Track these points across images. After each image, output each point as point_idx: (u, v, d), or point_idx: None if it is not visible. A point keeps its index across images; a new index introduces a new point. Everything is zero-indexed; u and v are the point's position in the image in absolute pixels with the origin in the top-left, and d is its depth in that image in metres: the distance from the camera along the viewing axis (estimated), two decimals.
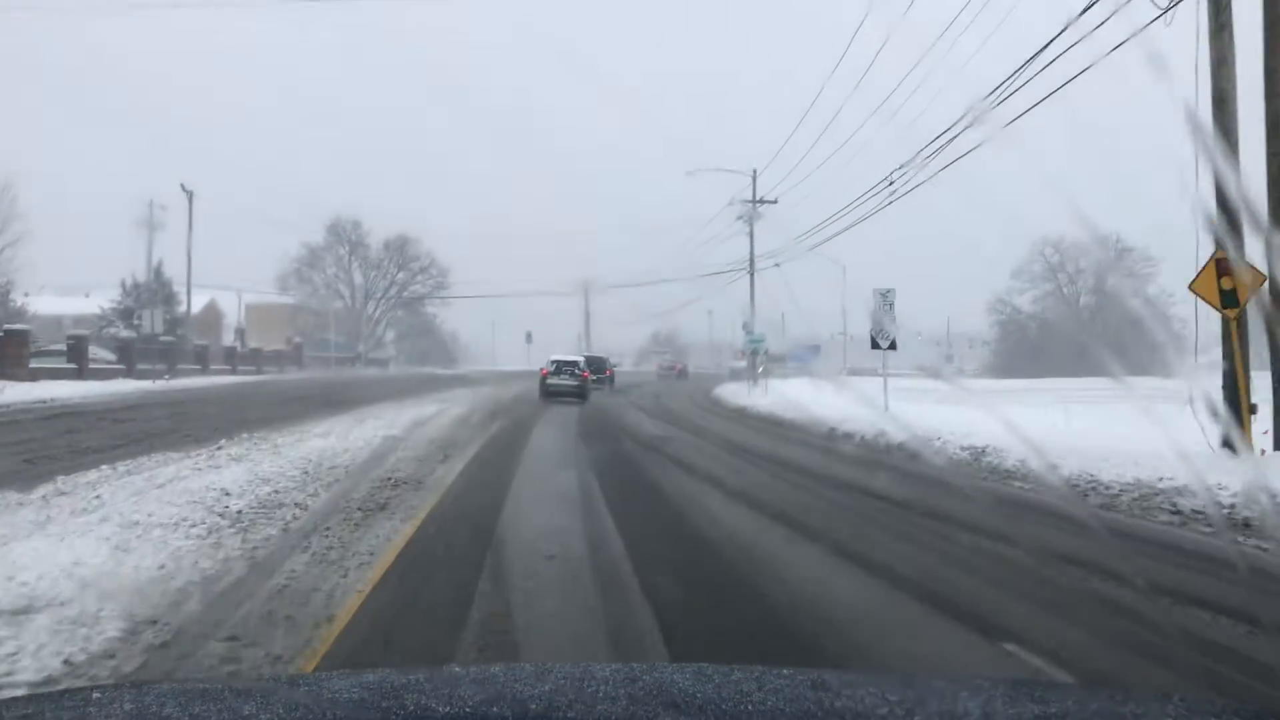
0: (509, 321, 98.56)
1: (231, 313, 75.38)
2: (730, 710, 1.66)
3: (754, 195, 44.29)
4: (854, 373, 54.35)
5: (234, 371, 48.79)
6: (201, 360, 47.73)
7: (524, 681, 1.92)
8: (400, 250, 78.78)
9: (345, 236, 78.47)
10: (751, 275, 45.30)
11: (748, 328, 42.01)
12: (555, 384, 32.24)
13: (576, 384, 32.55)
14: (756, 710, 1.67)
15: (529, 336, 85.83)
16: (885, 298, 22.66)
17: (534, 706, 1.71)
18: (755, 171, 45.01)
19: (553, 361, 34.43)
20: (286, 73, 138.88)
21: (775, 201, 44.42)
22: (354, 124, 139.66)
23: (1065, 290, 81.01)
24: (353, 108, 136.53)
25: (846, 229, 28.51)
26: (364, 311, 78.58)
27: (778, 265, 38.42)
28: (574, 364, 34.15)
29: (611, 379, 47.00)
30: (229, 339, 65.84)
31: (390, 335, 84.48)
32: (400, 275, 79.24)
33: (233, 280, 74.22)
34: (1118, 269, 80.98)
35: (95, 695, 1.83)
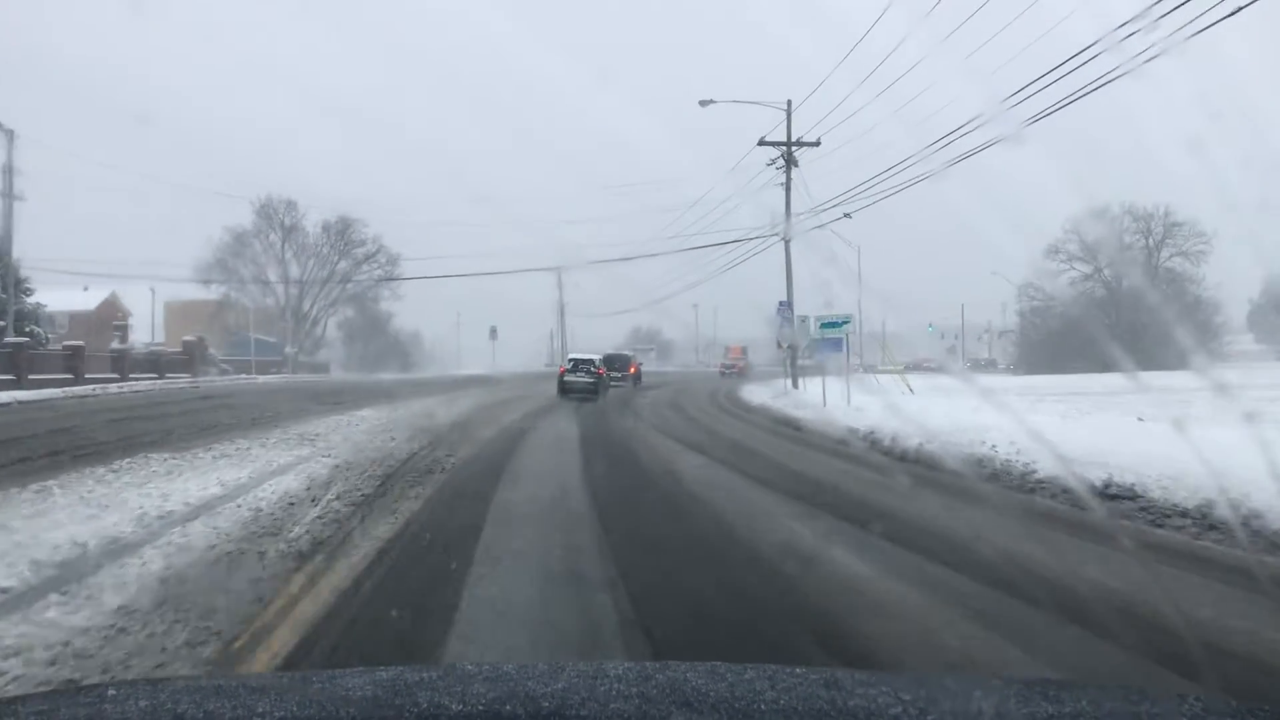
0: (477, 320, 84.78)
1: (141, 310, 61.51)
2: (743, 709, 1.64)
3: (789, 134, 31.75)
4: (868, 369, 49.50)
5: (124, 379, 41.00)
6: (74, 367, 39.13)
7: (537, 679, 1.88)
8: (341, 235, 65.15)
9: (277, 220, 64.69)
10: (788, 244, 32.85)
11: (786, 310, 32.71)
12: (572, 381, 33.13)
13: (591, 381, 33.15)
14: (769, 709, 1.65)
15: (493, 332, 72.68)
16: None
17: (546, 704, 1.67)
18: (790, 105, 32.51)
19: (570, 359, 35.62)
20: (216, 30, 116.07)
21: (818, 143, 31.97)
22: (294, 92, 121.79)
23: (1106, 272, 69.71)
24: (292, 73, 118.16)
25: (884, 196, 25.28)
26: (299, 307, 64.58)
27: (848, 216, 26.47)
28: (590, 362, 34.84)
29: (637, 377, 45.41)
30: (142, 340, 57.59)
31: (337, 335, 70.44)
32: (342, 264, 65.34)
33: (160, 272, 60.13)
34: (1167, 246, 75.03)
35: (110, 692, 1.83)
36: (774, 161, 33.17)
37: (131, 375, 41.74)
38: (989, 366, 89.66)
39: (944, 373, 53.07)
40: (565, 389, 32.38)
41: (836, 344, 25.04)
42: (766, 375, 46.77)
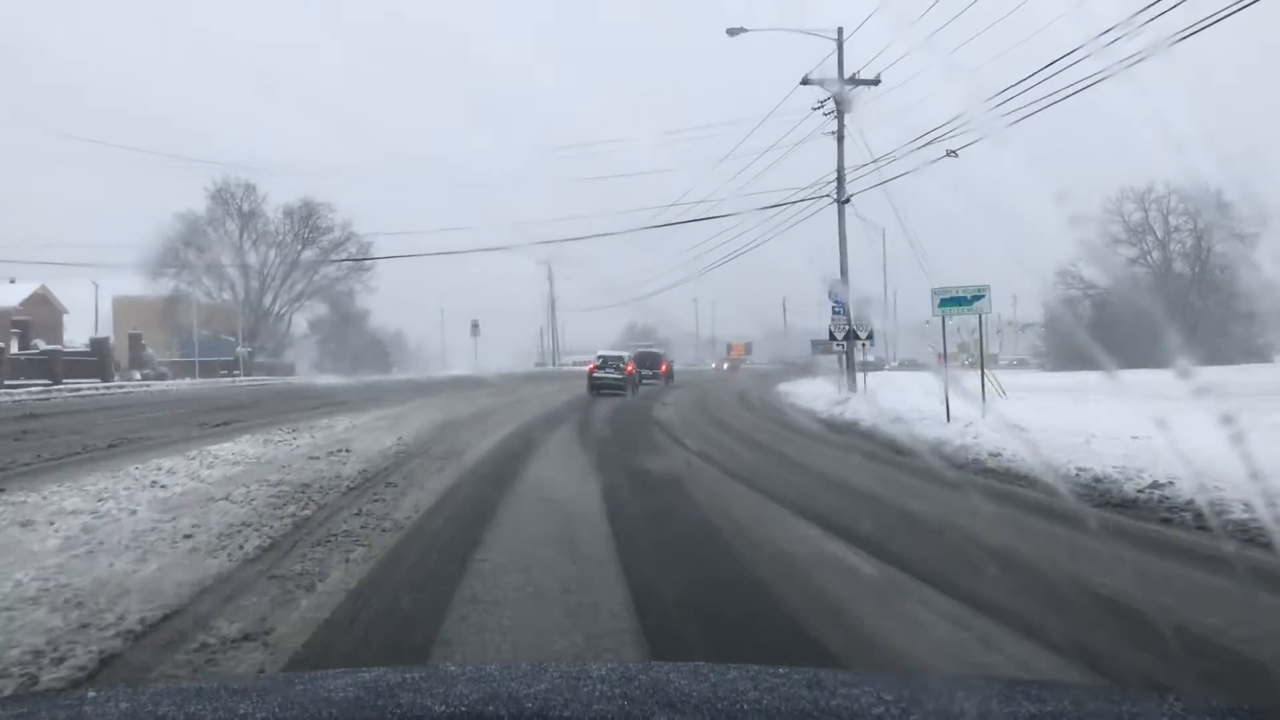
0: (463, 319, 77.18)
1: (81, 306, 53.89)
2: (726, 709, 1.64)
3: (840, 67, 24.02)
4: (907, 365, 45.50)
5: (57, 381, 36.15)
6: None
7: (520, 680, 1.91)
8: (305, 221, 56.98)
9: (234, 205, 56.75)
10: (842, 208, 25.22)
11: (840, 289, 27.05)
12: (601, 378, 33.63)
13: (620, 377, 33.88)
14: (752, 709, 1.65)
15: (475, 327, 64.91)
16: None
17: (530, 705, 1.67)
18: (841, 33, 24.84)
19: (599, 356, 36.34)
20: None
21: (877, 81, 24.18)
22: (255, 66, 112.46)
23: (1153, 256, 62.36)
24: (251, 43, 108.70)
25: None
26: (260, 302, 56.57)
27: (953, 154, 18.87)
28: (618, 359, 35.88)
29: (669, 375, 44.35)
30: (83, 338, 51.81)
31: (310, 334, 62.64)
32: (307, 253, 57.27)
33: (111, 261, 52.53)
34: (1220, 227, 64.62)
35: (91, 695, 1.85)
36: (822, 104, 25.45)
37: (8, 382, 33.33)
38: (1018, 364, 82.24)
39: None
40: (595, 385, 33.22)
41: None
42: (770, 374, 43.34)
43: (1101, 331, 65.41)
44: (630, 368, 35.27)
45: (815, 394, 25.22)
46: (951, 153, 20.06)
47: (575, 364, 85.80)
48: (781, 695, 1.77)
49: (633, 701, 1.69)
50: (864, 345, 25.31)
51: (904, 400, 19.08)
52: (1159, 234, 63.30)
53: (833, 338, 25.44)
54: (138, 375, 43.87)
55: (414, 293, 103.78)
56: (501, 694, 1.78)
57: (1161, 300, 64.67)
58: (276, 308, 59.66)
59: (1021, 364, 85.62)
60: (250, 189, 55.74)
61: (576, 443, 13.55)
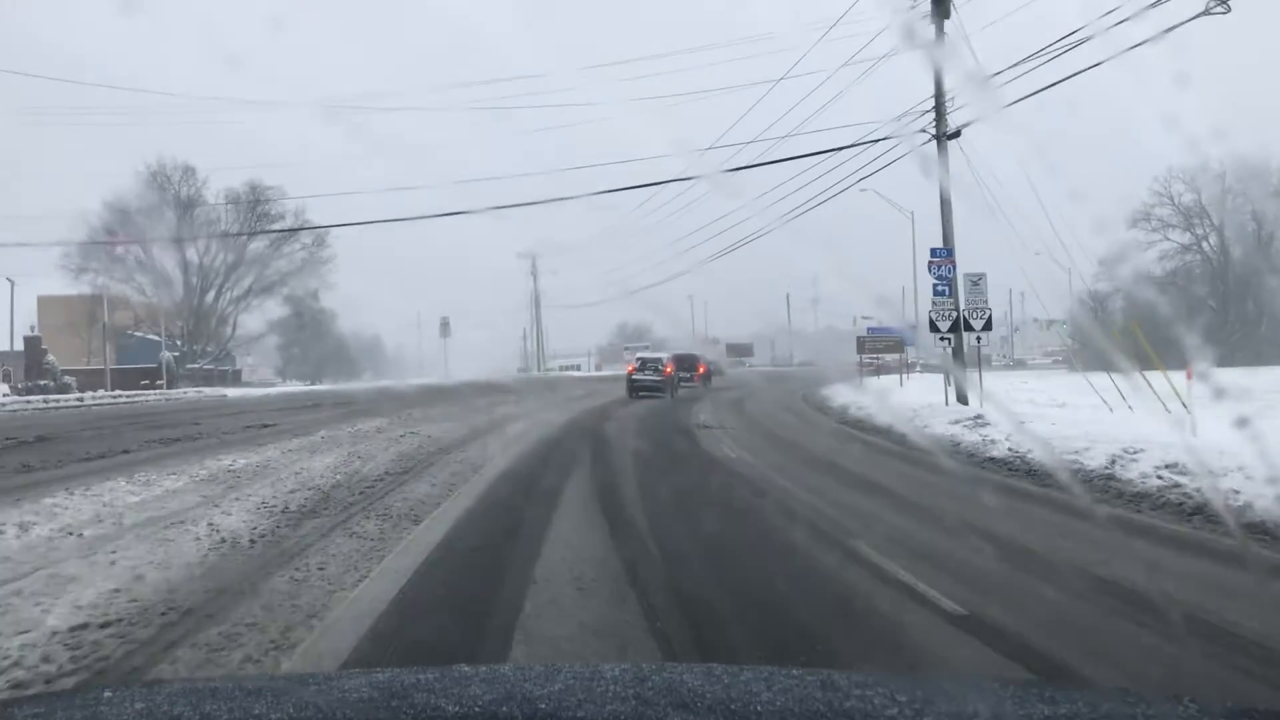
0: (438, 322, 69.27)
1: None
2: (739, 710, 1.62)
3: None
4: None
5: None
6: None
7: (533, 681, 1.90)
8: (253, 209, 48.37)
9: (172, 192, 48.54)
10: (942, 143, 15.28)
11: (943, 261, 19.77)
12: (640, 379, 34.14)
13: (658, 380, 34.28)
14: (766, 710, 1.63)
15: (444, 326, 56.40)
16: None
17: (543, 706, 1.66)
18: None
19: (638, 358, 36.64)
20: None
21: None
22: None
23: (1208, 244, 54.52)
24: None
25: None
26: (201, 302, 47.93)
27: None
28: (657, 360, 36.09)
29: (707, 377, 42.96)
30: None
31: (263, 334, 54.29)
32: (254, 245, 48.79)
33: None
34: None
35: (107, 694, 1.84)
36: (916, 3, 17.26)
37: None
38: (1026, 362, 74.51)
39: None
40: (634, 387, 33.93)
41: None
42: (788, 379, 39.69)
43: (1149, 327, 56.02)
44: (669, 369, 35.64)
45: (908, 407, 19.76)
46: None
47: (563, 369, 77.13)
48: (795, 696, 1.76)
49: (646, 703, 1.67)
50: (978, 341, 17.01)
51: (1075, 420, 13.94)
52: (1214, 218, 55.23)
53: (934, 328, 19.79)
54: (45, 386, 35.13)
55: (387, 293, 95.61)
56: (515, 695, 1.77)
57: (1220, 290, 56.65)
58: (220, 307, 50.59)
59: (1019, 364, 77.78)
60: (189, 172, 47.00)
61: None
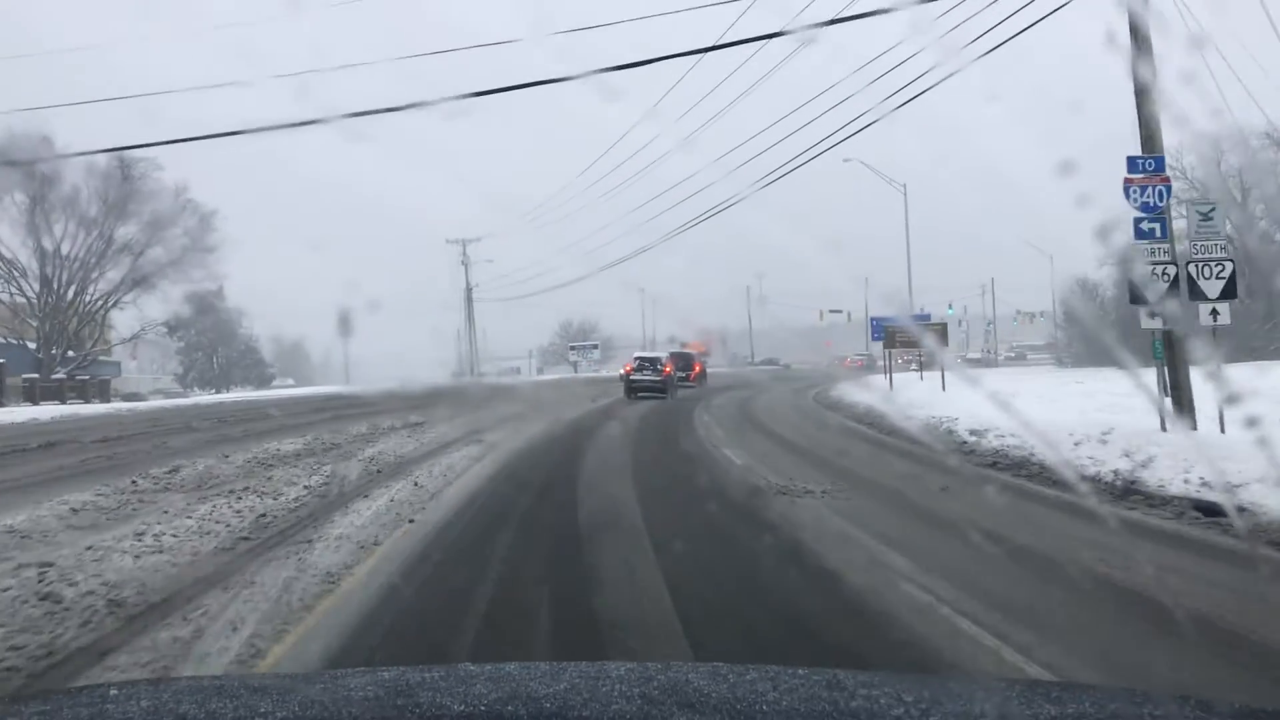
0: (369, 325, 61.02)
1: None
2: (745, 710, 1.64)
3: None
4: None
5: None
6: None
7: (539, 680, 1.92)
8: (120, 185, 38.83)
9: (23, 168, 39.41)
10: None
11: (1147, 177, 12.30)
12: (640, 380, 33.93)
13: (658, 380, 34.31)
14: (771, 710, 1.65)
15: (343, 323, 48.22)
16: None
17: (548, 705, 1.70)
18: None
19: (636, 359, 36.48)
20: None
21: None
22: None
23: (1234, 218, 46.05)
24: None
25: None
26: (59, 298, 38.20)
27: None
28: (656, 360, 36.20)
29: (702, 376, 43.58)
30: None
31: (141, 335, 45.21)
32: (123, 229, 39.67)
33: None
34: None
35: (113, 692, 1.88)
36: None
37: None
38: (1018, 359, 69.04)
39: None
40: (633, 388, 33.86)
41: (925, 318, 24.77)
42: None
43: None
44: (669, 369, 35.73)
45: (1093, 433, 12.22)
46: None
47: (502, 374, 68.14)
48: (801, 696, 1.77)
49: (651, 702, 1.68)
50: (1213, 315, 7.95)
51: None
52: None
53: (1136, 299, 12.62)
54: None
55: (305, 289, 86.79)
56: (520, 694, 1.79)
57: (1246, 274, 49.09)
58: (80, 304, 40.84)
59: (1020, 357, 71.37)
60: (46, 142, 37.55)
61: None
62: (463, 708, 1.63)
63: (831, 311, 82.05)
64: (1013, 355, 78.21)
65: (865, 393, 26.72)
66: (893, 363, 31.52)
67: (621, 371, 37.31)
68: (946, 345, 28.55)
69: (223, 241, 49.26)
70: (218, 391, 65.22)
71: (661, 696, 1.71)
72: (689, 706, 1.65)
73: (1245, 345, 40.76)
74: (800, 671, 1.89)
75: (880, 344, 33.41)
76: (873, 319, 35.48)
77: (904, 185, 46.71)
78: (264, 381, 74.35)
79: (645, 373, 34.43)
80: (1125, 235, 11.23)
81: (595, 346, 76.98)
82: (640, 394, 33.16)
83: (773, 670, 1.91)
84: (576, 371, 73.95)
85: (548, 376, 71.73)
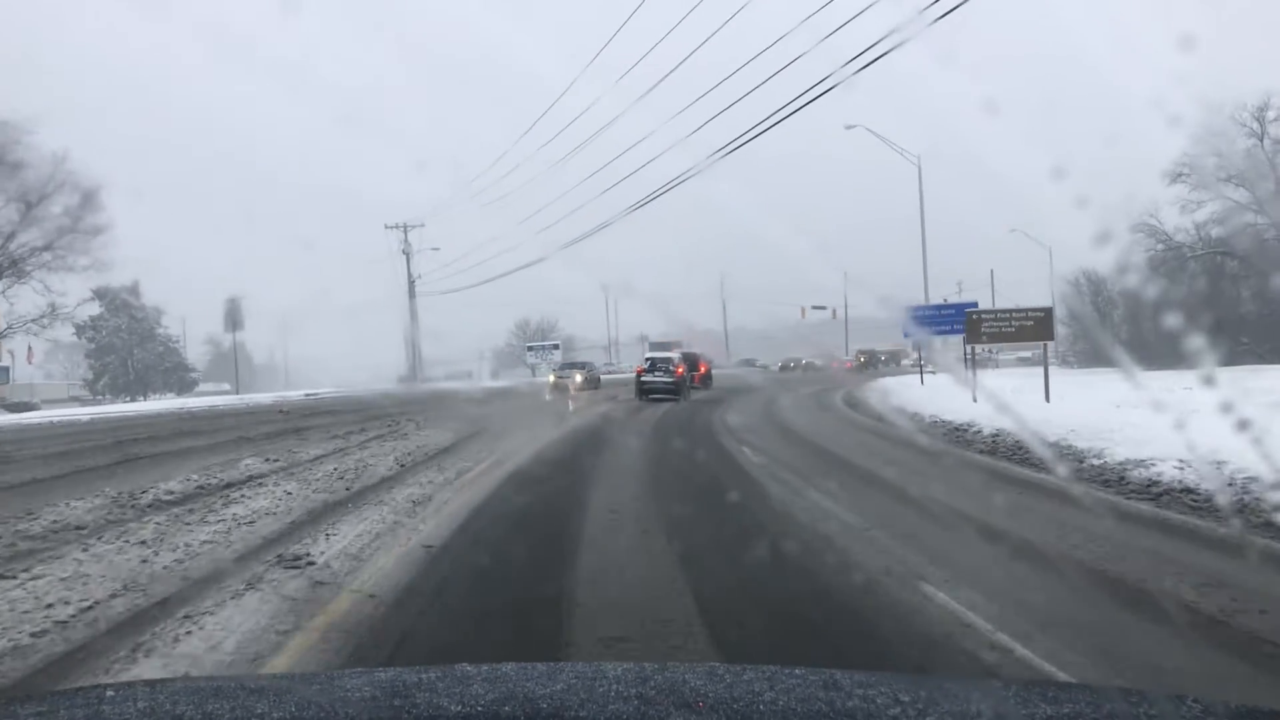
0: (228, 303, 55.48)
1: None
2: (742, 710, 1.61)
3: None
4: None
5: None
6: None
7: (535, 680, 1.90)
8: None
9: None
10: None
11: None
12: (651, 382, 33.07)
13: (671, 381, 33.20)
14: (768, 710, 1.63)
15: (231, 317, 42.98)
16: None
17: (545, 706, 1.67)
18: None
19: (647, 359, 35.61)
20: None
21: None
22: None
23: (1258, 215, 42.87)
24: None
25: None
26: None
27: None
28: (668, 361, 34.86)
29: (708, 377, 41.41)
30: None
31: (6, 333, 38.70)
32: None
33: None
34: None
35: (109, 693, 1.85)
36: None
37: None
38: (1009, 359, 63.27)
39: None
40: (645, 390, 33.03)
41: None
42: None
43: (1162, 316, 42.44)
44: (681, 370, 34.24)
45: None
46: None
47: (452, 378, 60.92)
48: (797, 696, 1.73)
49: (648, 702, 1.66)
50: None
51: None
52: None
53: None
54: None
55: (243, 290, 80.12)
56: (517, 694, 1.77)
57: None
58: None
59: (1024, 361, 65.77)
60: None
61: None
62: (459, 708, 1.63)
63: (815, 308, 76.85)
64: (1028, 356, 69.63)
65: (934, 402, 20.31)
66: (933, 360, 25.93)
67: (634, 372, 38.15)
68: (1053, 338, 21.62)
69: (109, 224, 41.87)
70: (131, 400, 57.77)
71: (658, 697, 1.70)
72: (686, 707, 1.64)
73: None
74: (797, 671, 1.88)
75: (911, 340, 27.52)
76: (912, 309, 29.38)
77: (918, 158, 40.62)
78: (186, 387, 66.55)
79: (657, 374, 33.75)
80: None
81: (556, 346, 70.24)
82: (652, 396, 32.74)
83: (769, 670, 1.91)
84: (535, 375, 67.13)
85: (501, 383, 64.12)
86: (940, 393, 25.02)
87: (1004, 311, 24.51)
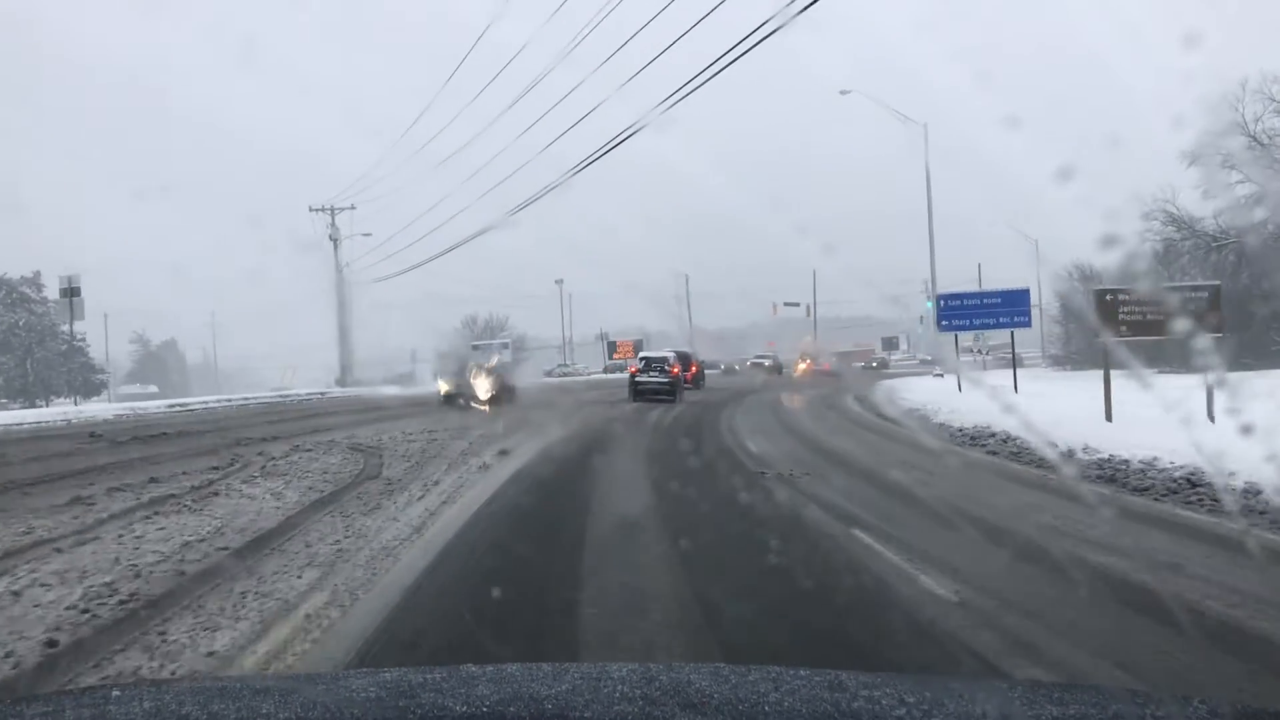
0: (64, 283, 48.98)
1: None
2: (747, 711, 1.62)
3: None
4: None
5: None
6: None
7: (540, 681, 1.90)
8: None
9: None
10: None
11: None
12: (646, 383, 32.45)
13: (667, 381, 32.49)
14: (773, 711, 1.62)
15: (68, 296, 36.01)
16: None
17: (550, 706, 1.67)
18: None
19: (641, 359, 35.83)
20: None
21: None
22: None
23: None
24: None
25: None
26: None
27: None
28: (663, 360, 34.43)
29: (700, 377, 41.50)
30: None
31: None
32: None
33: None
34: None
35: (115, 694, 1.85)
36: None
37: None
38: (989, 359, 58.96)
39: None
40: (639, 391, 32.54)
41: None
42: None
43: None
44: (675, 369, 33.65)
45: None
46: None
47: (390, 381, 54.85)
48: (803, 697, 1.72)
49: (653, 703, 1.64)
50: None
51: None
52: None
53: None
54: None
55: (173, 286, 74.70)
56: (522, 695, 1.76)
57: None
58: None
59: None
60: None
61: None
62: (465, 709, 1.62)
63: (787, 304, 72.70)
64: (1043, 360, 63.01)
65: (1005, 419, 15.80)
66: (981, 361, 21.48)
67: (628, 373, 37.14)
68: (1220, 330, 15.56)
69: None
70: (29, 405, 51.28)
71: (663, 697, 1.69)
72: (691, 707, 1.63)
73: None
74: (802, 672, 1.89)
75: (945, 335, 23.31)
76: (942, 297, 24.88)
77: (924, 125, 36.17)
78: (91, 391, 59.91)
79: (652, 374, 33.20)
80: None
81: (505, 345, 64.67)
82: (646, 396, 32.28)
83: (775, 671, 1.90)
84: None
85: (414, 390, 50.72)
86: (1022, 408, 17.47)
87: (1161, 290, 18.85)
